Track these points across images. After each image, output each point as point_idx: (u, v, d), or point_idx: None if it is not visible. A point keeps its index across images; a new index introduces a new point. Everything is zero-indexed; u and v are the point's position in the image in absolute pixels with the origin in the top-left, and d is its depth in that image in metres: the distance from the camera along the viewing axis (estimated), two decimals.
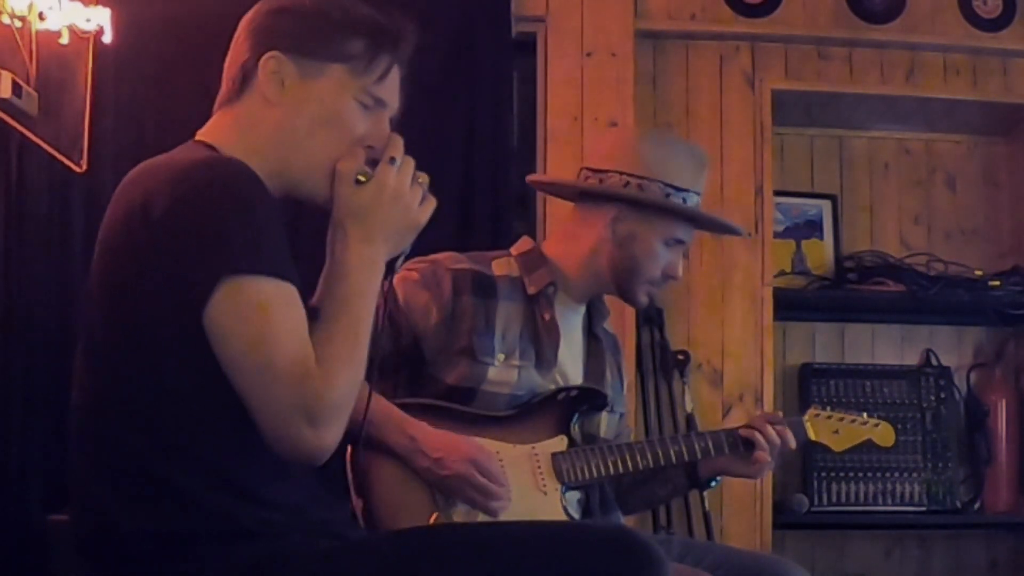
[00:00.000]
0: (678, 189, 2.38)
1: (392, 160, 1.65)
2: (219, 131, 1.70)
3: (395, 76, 1.72)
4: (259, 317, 1.49)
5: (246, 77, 1.68)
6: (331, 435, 1.52)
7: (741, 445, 2.40)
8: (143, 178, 1.59)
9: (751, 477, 2.47)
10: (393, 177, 1.64)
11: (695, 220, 2.44)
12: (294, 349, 1.49)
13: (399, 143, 1.68)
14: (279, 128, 1.66)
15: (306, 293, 1.63)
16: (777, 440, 2.37)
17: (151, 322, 1.52)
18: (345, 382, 1.53)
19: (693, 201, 2.41)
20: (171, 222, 1.50)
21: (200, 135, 1.72)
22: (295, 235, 1.84)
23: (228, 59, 1.73)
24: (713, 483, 2.52)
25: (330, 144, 1.66)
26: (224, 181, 1.52)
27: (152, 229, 1.51)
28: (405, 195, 1.64)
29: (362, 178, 1.64)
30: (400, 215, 1.64)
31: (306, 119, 1.66)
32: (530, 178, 2.77)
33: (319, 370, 1.50)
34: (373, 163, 1.66)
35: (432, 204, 1.69)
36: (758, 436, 2.37)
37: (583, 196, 2.47)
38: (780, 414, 2.49)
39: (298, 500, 1.60)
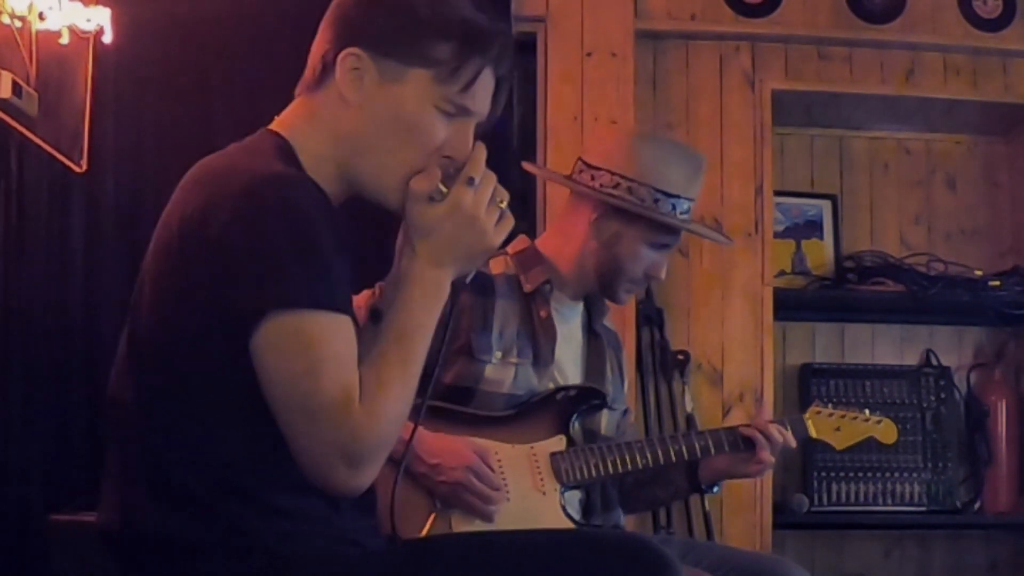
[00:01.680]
0: (668, 195, 2.38)
1: (471, 180, 1.56)
2: (295, 122, 1.62)
3: (485, 83, 1.61)
4: (305, 351, 1.43)
5: (326, 68, 1.59)
6: (368, 474, 1.48)
7: (741, 444, 2.40)
8: (205, 182, 1.53)
9: (752, 476, 2.46)
10: (470, 199, 1.55)
11: (677, 228, 2.42)
12: (338, 388, 1.44)
13: (481, 158, 1.58)
14: (353, 131, 1.58)
15: (363, 285, 1.56)
16: (779, 438, 2.37)
17: (195, 332, 1.48)
18: (390, 419, 1.48)
19: (683, 207, 2.40)
20: (227, 242, 1.44)
21: (276, 123, 1.64)
22: (361, 228, 1.77)
23: (314, 42, 1.64)
24: (715, 489, 2.52)
25: (406, 153, 1.58)
26: (288, 204, 1.45)
27: (207, 245, 1.46)
28: (480, 218, 1.56)
29: (437, 196, 1.55)
30: (473, 238, 1.56)
31: (382, 125, 1.58)
32: (526, 165, 2.77)
33: (362, 409, 1.45)
34: (452, 173, 1.56)
35: (509, 224, 1.60)
36: (759, 435, 2.37)
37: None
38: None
39: (322, 512, 1.55)
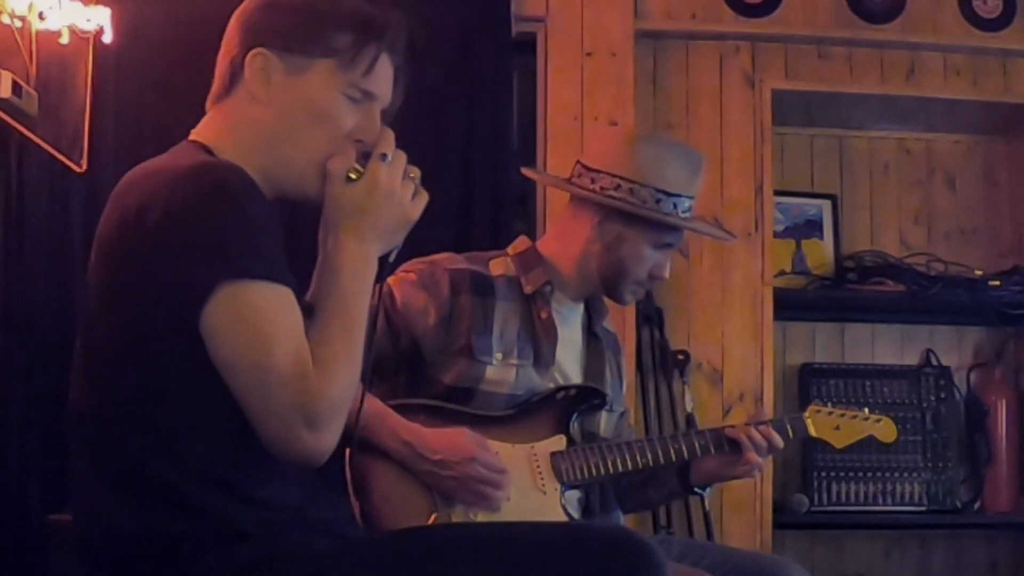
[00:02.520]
0: (669, 194, 2.38)
1: (384, 156, 1.63)
2: (211, 130, 1.69)
3: (384, 67, 1.69)
4: (255, 321, 1.49)
5: (235, 74, 1.68)
6: (329, 436, 1.52)
7: (726, 445, 2.39)
8: (138, 183, 1.59)
9: (741, 478, 2.45)
10: (385, 174, 1.63)
11: (680, 227, 2.43)
12: (291, 351, 1.49)
13: (390, 138, 1.66)
14: (267, 126, 1.66)
15: (302, 289, 1.63)
16: (762, 441, 2.37)
17: (148, 326, 1.52)
18: (342, 382, 1.53)
19: (685, 205, 2.40)
20: (167, 227, 1.49)
21: (194, 134, 1.71)
22: (291, 232, 1.85)
23: (219, 55, 1.72)
24: (706, 491, 2.51)
25: (319, 141, 1.65)
26: (219, 186, 1.51)
27: (148, 234, 1.50)
28: (397, 191, 1.63)
29: (353, 176, 1.63)
30: (393, 212, 1.63)
31: (294, 116, 1.65)
32: (525, 170, 2.78)
33: (316, 372, 1.50)
34: (364, 157, 1.64)
35: (424, 198, 1.67)
36: (743, 437, 2.37)
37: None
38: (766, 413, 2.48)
39: (297, 500, 1.60)
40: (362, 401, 1.75)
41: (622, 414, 2.60)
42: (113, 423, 1.55)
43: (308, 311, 1.59)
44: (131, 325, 1.53)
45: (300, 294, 1.59)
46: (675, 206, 2.39)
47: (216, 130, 1.69)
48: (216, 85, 1.71)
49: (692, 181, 2.42)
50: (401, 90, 1.74)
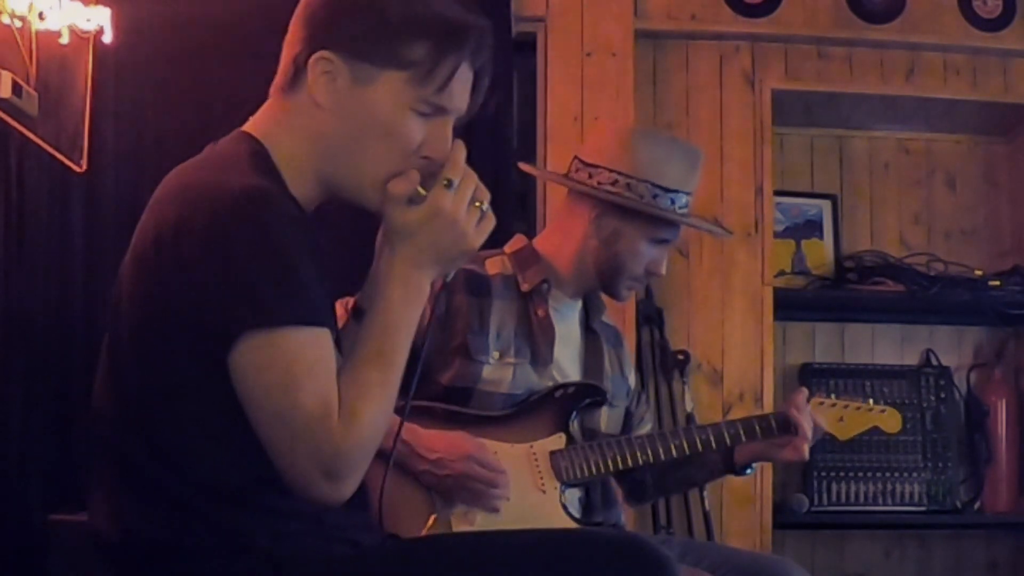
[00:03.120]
0: (666, 190, 2.38)
1: (448, 183, 1.53)
2: (269, 125, 1.61)
3: (462, 79, 1.58)
4: (280, 369, 1.43)
5: (298, 71, 1.57)
6: (349, 486, 1.48)
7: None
8: (179, 196, 1.52)
9: (790, 460, 2.43)
10: (449, 201, 1.53)
11: (677, 223, 2.43)
12: (315, 401, 1.43)
13: (460, 159, 1.55)
14: (328, 134, 1.57)
15: (349, 285, 1.56)
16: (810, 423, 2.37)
17: (172, 346, 1.49)
18: (369, 426, 1.47)
19: (682, 201, 2.41)
20: (201, 263, 1.44)
21: (251, 125, 1.63)
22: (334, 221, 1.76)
23: (285, 41, 1.61)
24: (749, 470, 2.51)
25: (382, 156, 1.56)
26: (257, 224, 1.44)
27: (182, 264, 1.46)
28: (460, 220, 1.54)
29: (416, 199, 1.53)
30: (453, 242, 1.55)
31: (357, 128, 1.56)
32: (523, 165, 2.78)
33: (342, 419, 1.44)
34: (431, 174, 1.54)
35: (490, 225, 1.58)
36: (801, 423, 2.36)
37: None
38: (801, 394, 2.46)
39: (312, 509, 1.55)
40: (398, 433, 1.69)
41: (637, 401, 2.60)
42: (129, 427, 1.54)
43: (360, 315, 1.55)
44: (157, 339, 1.50)
45: (343, 294, 1.53)
46: (672, 202, 2.39)
47: (273, 126, 1.60)
48: (279, 75, 1.61)
49: (690, 177, 2.42)
50: (481, 93, 1.63)
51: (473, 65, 1.59)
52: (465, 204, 1.55)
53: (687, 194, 2.42)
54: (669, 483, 2.62)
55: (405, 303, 1.54)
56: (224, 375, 1.46)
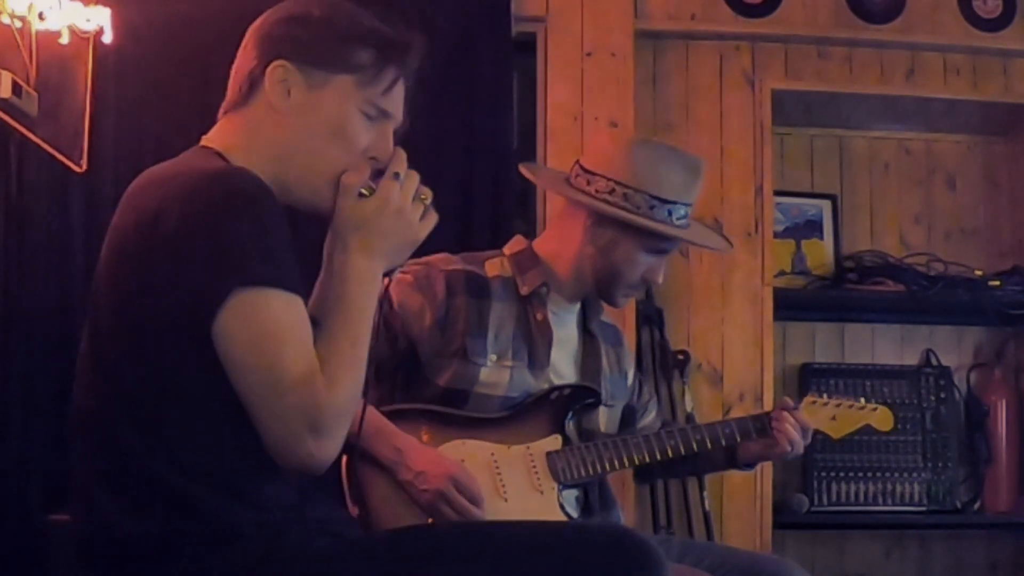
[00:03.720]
0: (664, 201, 2.37)
1: (396, 175, 1.66)
2: (226, 137, 1.70)
3: (401, 88, 1.72)
4: (268, 327, 1.50)
5: (253, 84, 1.69)
6: (333, 445, 1.53)
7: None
8: (153, 187, 1.59)
9: (784, 458, 2.46)
10: (396, 192, 1.65)
11: (672, 237, 2.43)
12: (301, 361, 1.51)
13: (403, 158, 1.69)
14: (284, 137, 1.67)
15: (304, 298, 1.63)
16: (798, 426, 2.40)
17: (157, 327, 1.53)
18: (348, 392, 1.55)
19: (680, 212, 2.40)
20: (184, 233, 1.51)
21: (207, 140, 1.72)
22: (294, 240, 1.85)
23: (235, 65, 1.73)
24: (752, 468, 2.57)
25: (334, 155, 1.67)
26: (236, 193, 1.53)
27: (165, 239, 1.51)
28: (407, 210, 1.66)
29: (365, 192, 1.65)
30: (401, 230, 1.66)
31: (311, 129, 1.67)
32: (523, 167, 2.77)
33: (324, 380, 1.51)
34: (377, 175, 1.67)
35: (433, 220, 1.70)
36: (787, 427, 2.39)
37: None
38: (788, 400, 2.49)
39: (294, 499, 1.61)
40: (363, 412, 1.77)
41: (640, 393, 2.61)
42: (113, 422, 1.56)
43: (312, 322, 1.59)
44: (140, 326, 1.54)
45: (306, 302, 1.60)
46: (670, 213, 2.38)
47: (230, 138, 1.70)
48: (231, 94, 1.72)
49: (689, 188, 2.42)
50: (407, 111, 1.76)
51: (407, 79, 1.73)
52: (410, 196, 1.67)
53: (686, 205, 2.41)
54: (676, 472, 2.71)
55: (362, 289, 1.62)
56: (209, 355, 1.50)
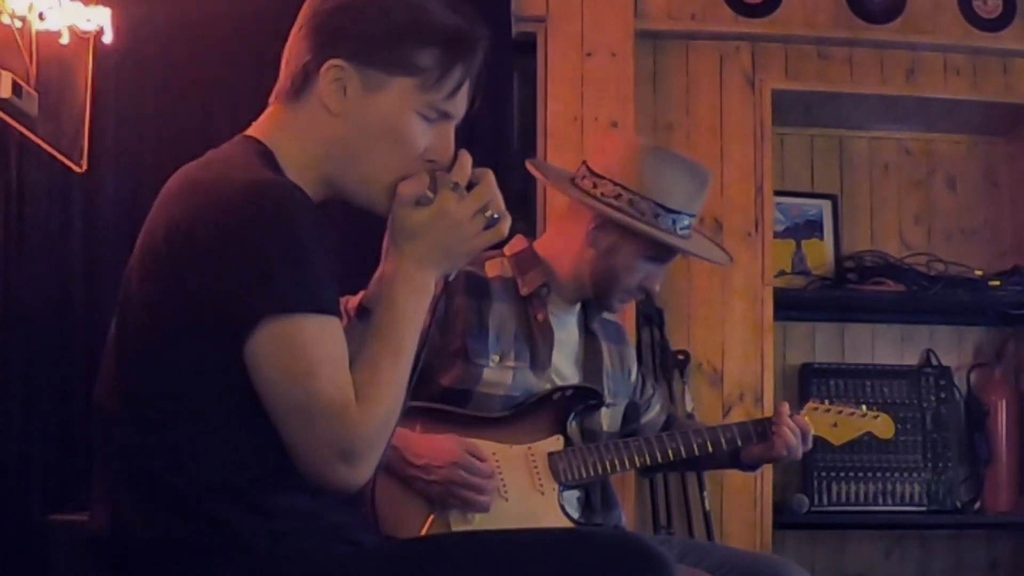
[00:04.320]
0: (669, 210, 2.37)
1: (455, 187, 1.59)
2: (275, 130, 1.63)
3: (466, 88, 1.64)
4: (300, 354, 1.45)
5: (307, 78, 1.60)
6: (365, 470, 1.50)
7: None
8: (188, 192, 1.54)
9: (783, 454, 2.46)
10: (454, 204, 1.58)
11: (674, 248, 2.42)
12: (334, 387, 1.46)
13: (466, 165, 1.61)
14: (337, 140, 1.60)
15: (355, 286, 1.59)
16: (797, 432, 2.41)
17: (182, 340, 1.50)
18: (382, 417, 1.50)
19: (684, 223, 2.40)
20: (217, 250, 1.46)
21: (255, 130, 1.65)
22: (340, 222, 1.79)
23: (288, 47, 1.64)
24: (757, 469, 2.58)
25: (391, 160, 1.60)
26: (272, 210, 1.47)
27: (195, 255, 1.47)
28: (464, 223, 1.59)
29: (424, 201, 1.58)
30: (456, 244, 1.60)
31: (366, 134, 1.59)
32: (529, 164, 2.77)
33: (358, 406, 1.47)
34: (435, 179, 1.59)
35: (498, 234, 1.63)
36: (785, 431, 2.40)
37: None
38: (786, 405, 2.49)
39: (310, 506, 1.57)
40: (390, 436, 1.69)
41: (642, 389, 2.60)
42: (132, 425, 1.54)
43: (364, 314, 1.57)
44: (165, 334, 1.51)
45: (350, 292, 1.56)
46: (674, 222, 2.38)
47: (280, 131, 1.63)
48: (284, 82, 1.64)
49: (695, 199, 2.42)
50: (473, 98, 1.68)
51: (474, 76, 1.64)
52: (472, 209, 1.60)
53: (691, 216, 2.41)
54: (679, 468, 2.72)
55: (410, 300, 1.58)
56: (232, 371, 1.47)
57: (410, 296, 1.58)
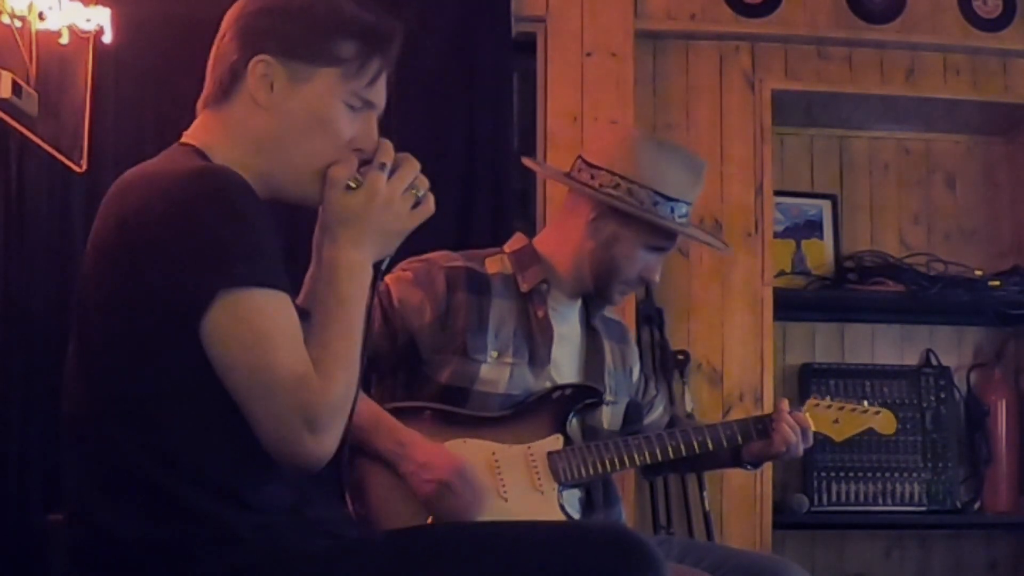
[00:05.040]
0: (667, 198, 2.38)
1: (383, 166, 1.65)
2: (207, 134, 1.69)
3: (384, 78, 1.70)
4: (256, 326, 1.49)
5: (234, 78, 1.66)
6: (330, 440, 1.52)
7: (739, 437, 2.42)
8: (134, 187, 1.59)
9: (782, 452, 2.44)
10: (384, 183, 1.64)
11: (675, 232, 2.43)
12: (292, 355, 1.50)
13: (389, 148, 1.67)
14: (268, 132, 1.65)
15: (295, 291, 1.63)
16: (797, 428, 2.40)
17: (146, 330, 1.52)
18: (343, 386, 1.54)
19: (682, 211, 2.40)
20: (166, 234, 1.50)
21: (187, 137, 1.71)
22: (291, 231, 1.85)
23: (213, 57, 1.71)
24: (759, 467, 2.57)
25: (320, 148, 1.65)
26: (216, 191, 1.52)
27: (147, 241, 1.51)
28: (395, 202, 1.64)
29: (353, 184, 1.64)
30: (390, 221, 1.64)
31: (295, 124, 1.65)
32: (526, 160, 2.78)
33: (317, 375, 1.51)
34: (363, 165, 1.65)
35: (426, 210, 1.68)
36: (784, 428, 2.39)
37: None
38: (785, 402, 2.48)
39: (292, 500, 1.60)
40: (353, 405, 1.73)
41: (646, 389, 2.60)
42: (107, 426, 1.55)
43: (303, 315, 1.59)
44: (128, 329, 1.53)
45: (294, 296, 1.60)
46: (672, 210, 2.39)
47: (211, 134, 1.68)
48: (210, 88, 1.70)
49: (692, 187, 2.42)
50: (387, 97, 1.74)
51: (391, 67, 1.70)
52: (401, 187, 1.65)
53: (687, 204, 2.42)
54: (680, 468, 2.70)
55: (353, 283, 1.61)
56: (199, 357, 1.49)
57: (352, 279, 1.61)
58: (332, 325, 1.57)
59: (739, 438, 2.43)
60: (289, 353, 1.50)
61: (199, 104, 1.72)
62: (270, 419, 1.50)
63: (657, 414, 2.63)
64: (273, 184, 1.67)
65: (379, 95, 1.70)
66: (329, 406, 1.51)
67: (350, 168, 1.64)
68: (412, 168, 1.67)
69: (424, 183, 1.68)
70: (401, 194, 1.65)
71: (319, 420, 1.50)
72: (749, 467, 2.56)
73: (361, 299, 1.61)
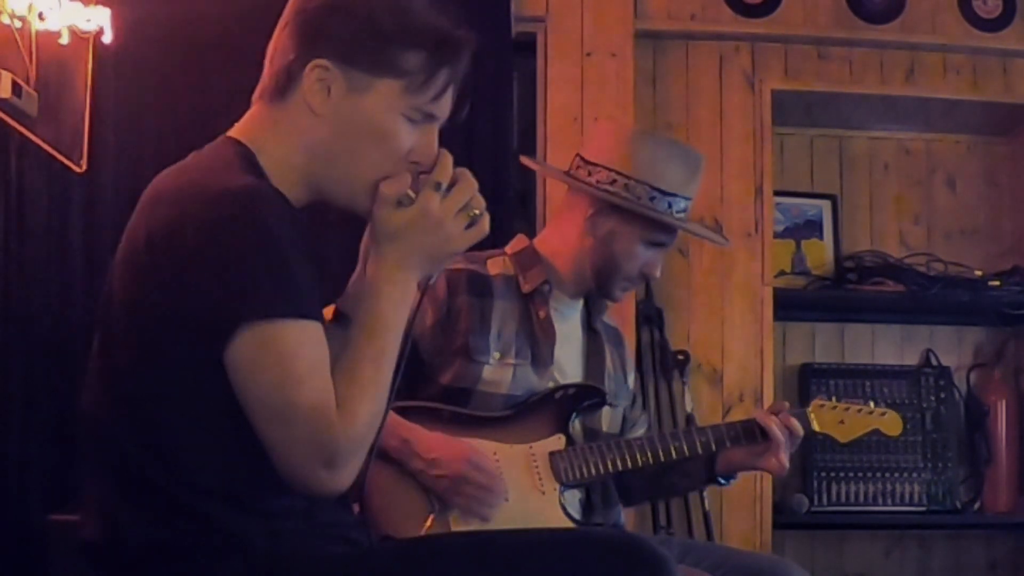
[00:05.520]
0: (664, 193, 2.38)
1: (438, 186, 1.57)
2: (257, 131, 1.62)
3: (451, 91, 1.62)
4: (280, 359, 1.45)
5: (291, 78, 1.59)
6: (346, 475, 1.50)
7: (743, 437, 2.39)
8: (163, 201, 1.54)
9: (771, 471, 2.39)
10: (436, 204, 1.57)
11: (673, 227, 2.42)
12: (315, 393, 1.46)
13: (448, 164, 1.59)
14: (321, 140, 1.59)
15: (334, 292, 1.59)
16: (784, 429, 2.35)
17: (169, 346, 1.49)
18: (365, 420, 1.50)
19: (680, 206, 2.40)
20: (196, 258, 1.46)
21: (237, 130, 1.64)
22: (325, 229, 1.78)
23: (272, 48, 1.63)
24: (731, 481, 2.48)
25: (374, 161, 1.59)
26: (250, 218, 1.46)
27: (177, 261, 1.47)
28: (447, 223, 1.57)
29: (404, 201, 1.57)
30: (439, 242, 1.58)
31: (351, 135, 1.58)
32: (524, 159, 2.77)
33: (340, 411, 1.47)
34: (418, 180, 1.58)
35: (479, 233, 1.61)
36: (771, 425, 2.34)
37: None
38: (785, 404, 2.44)
39: (304, 505, 1.57)
40: (379, 430, 1.66)
41: (632, 404, 2.59)
42: (122, 430, 1.54)
43: (342, 319, 1.56)
44: (149, 339, 1.51)
45: (331, 300, 1.56)
46: (670, 205, 2.39)
47: (262, 132, 1.62)
48: (267, 80, 1.63)
49: (690, 182, 2.42)
50: (458, 101, 1.66)
51: (459, 81, 1.63)
52: (455, 208, 1.58)
53: (686, 199, 2.41)
54: (655, 490, 2.61)
55: (393, 303, 1.57)
56: (219, 374, 1.47)
57: (392, 299, 1.57)
58: (364, 348, 1.53)
59: (742, 437, 2.41)
60: (311, 389, 1.45)
61: (254, 94, 1.65)
62: (286, 452, 1.47)
63: (638, 434, 2.61)
64: (322, 189, 1.62)
65: (443, 108, 1.63)
66: (349, 443, 1.48)
67: (402, 184, 1.57)
68: (469, 187, 1.60)
69: (480, 203, 1.60)
70: (454, 215, 1.58)
71: (336, 457, 1.47)
72: (721, 481, 2.47)
73: (399, 319, 1.57)
